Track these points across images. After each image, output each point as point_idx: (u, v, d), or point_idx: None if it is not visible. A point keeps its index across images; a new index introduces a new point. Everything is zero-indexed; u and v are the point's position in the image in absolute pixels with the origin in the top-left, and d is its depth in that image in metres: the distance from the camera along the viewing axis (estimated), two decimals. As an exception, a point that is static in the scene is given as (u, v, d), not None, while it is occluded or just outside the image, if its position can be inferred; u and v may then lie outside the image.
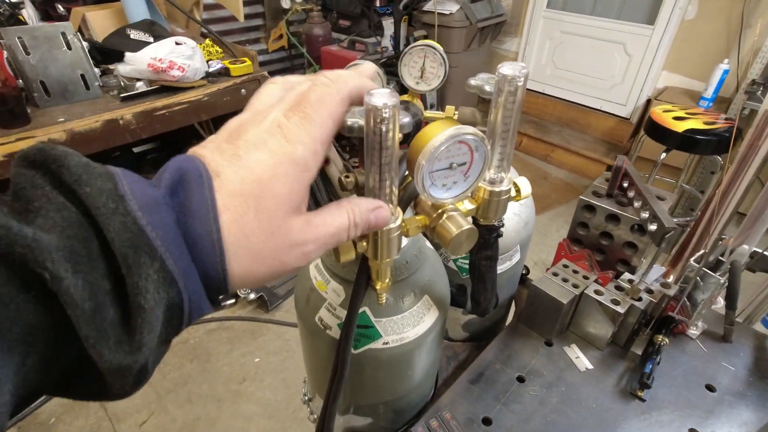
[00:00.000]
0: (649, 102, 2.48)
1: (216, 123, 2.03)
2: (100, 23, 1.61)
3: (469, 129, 0.29)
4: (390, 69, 2.44)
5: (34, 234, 0.18)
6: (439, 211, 0.34)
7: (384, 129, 0.27)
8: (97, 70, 1.44)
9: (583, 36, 2.90)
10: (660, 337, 0.57)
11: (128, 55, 1.43)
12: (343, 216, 0.28)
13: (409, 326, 0.44)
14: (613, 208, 0.61)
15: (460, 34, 2.82)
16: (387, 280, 0.37)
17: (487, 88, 0.53)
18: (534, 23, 3.09)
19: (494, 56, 3.37)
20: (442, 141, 0.28)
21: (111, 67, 1.52)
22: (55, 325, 0.19)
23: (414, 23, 3.07)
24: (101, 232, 0.20)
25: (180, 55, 1.46)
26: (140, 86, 1.45)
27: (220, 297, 0.25)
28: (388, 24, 2.92)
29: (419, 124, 0.55)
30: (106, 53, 1.49)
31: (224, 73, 1.61)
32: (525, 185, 0.38)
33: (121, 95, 1.40)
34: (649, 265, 0.56)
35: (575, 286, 0.59)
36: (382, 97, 0.26)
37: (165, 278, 0.21)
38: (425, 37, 2.80)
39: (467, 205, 0.36)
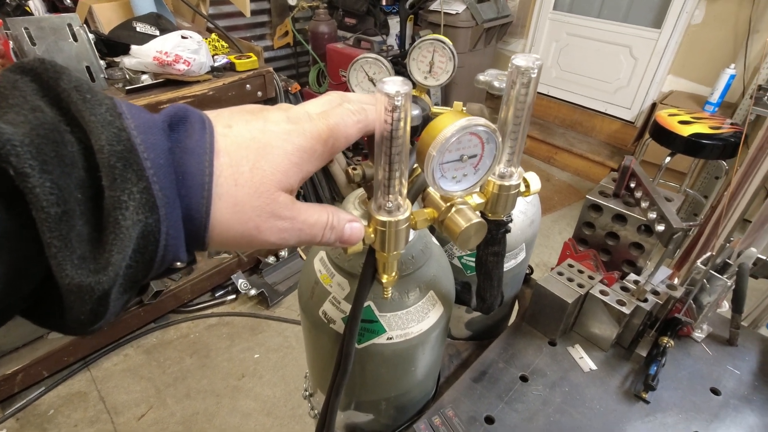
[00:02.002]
0: (654, 106, 2.47)
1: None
2: (107, 15, 1.61)
3: (481, 120, 0.29)
4: (395, 68, 2.43)
5: (1, 125, 0.17)
6: (448, 204, 0.33)
7: (396, 117, 0.26)
8: (102, 62, 1.44)
9: (589, 38, 2.89)
10: (665, 339, 0.57)
11: (134, 47, 1.43)
12: (324, 214, 0.29)
13: (414, 322, 0.44)
14: (620, 208, 0.61)
15: (466, 34, 2.81)
16: (393, 274, 0.36)
17: (496, 84, 0.52)
18: (540, 25, 3.09)
19: (499, 57, 3.37)
20: (453, 132, 0.28)
21: (116, 59, 1.52)
22: (23, 230, 0.18)
23: (420, 22, 3.07)
24: (85, 142, 0.19)
25: (186, 49, 1.46)
26: (145, 79, 1.45)
27: (193, 253, 0.25)
28: (393, 23, 2.92)
29: (427, 119, 0.55)
30: (112, 46, 1.49)
31: (229, 68, 1.61)
32: (534, 180, 0.38)
33: (126, 88, 1.40)
34: (656, 266, 0.55)
35: (580, 285, 0.58)
36: (395, 84, 0.26)
37: (147, 201, 0.20)
38: (431, 37, 2.79)
39: (476, 199, 0.36)
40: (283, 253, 2.18)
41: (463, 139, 0.29)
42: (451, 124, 0.28)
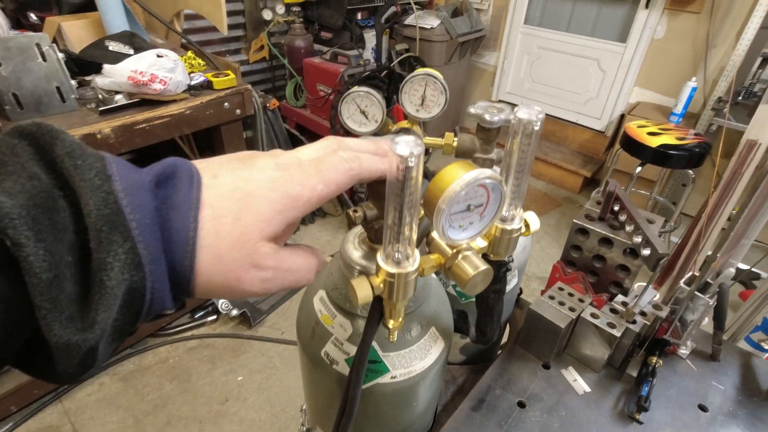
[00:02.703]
0: (623, 117, 2.57)
1: (198, 137, 1.99)
2: (77, 34, 1.56)
3: (488, 173, 0.29)
4: (372, 82, 2.45)
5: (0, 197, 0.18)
6: (454, 251, 0.34)
7: (408, 176, 0.27)
8: (73, 81, 1.39)
9: (559, 52, 2.99)
10: (654, 359, 0.58)
11: (107, 67, 1.38)
12: (309, 258, 0.30)
13: (417, 359, 0.44)
14: (606, 232, 0.63)
15: (441, 48, 2.86)
16: (400, 319, 0.36)
17: (487, 117, 0.53)
18: (512, 38, 3.17)
19: (474, 69, 3.44)
20: (462, 186, 0.28)
21: (88, 78, 1.47)
22: (16, 293, 0.19)
23: (395, 36, 3.10)
24: (76, 206, 0.20)
25: (162, 68, 1.43)
26: (119, 99, 1.41)
27: (181, 300, 0.26)
28: (369, 37, 2.95)
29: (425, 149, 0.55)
30: (84, 65, 1.45)
31: (207, 86, 1.59)
32: (534, 221, 0.38)
33: (100, 109, 1.35)
34: (643, 290, 0.57)
35: (572, 309, 0.60)
36: (408, 145, 0.26)
37: (132, 261, 0.21)
38: (407, 51, 2.83)
39: (480, 243, 0.36)
40: (265, 271, 2.14)
41: (470, 190, 0.30)
42: (459, 177, 0.29)
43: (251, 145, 1.91)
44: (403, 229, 0.29)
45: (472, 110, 0.55)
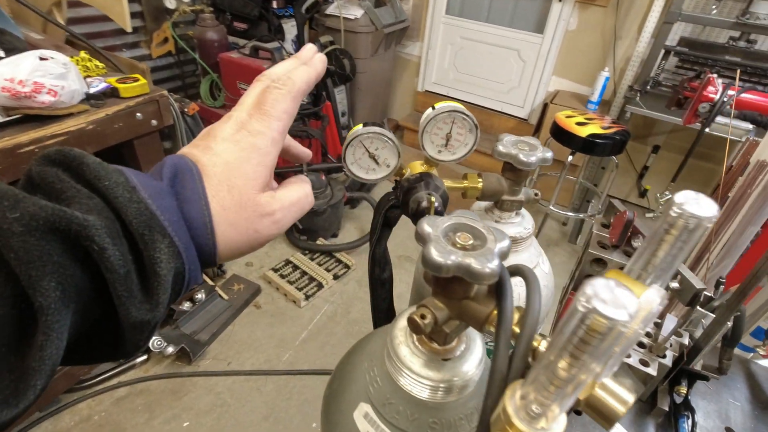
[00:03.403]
0: (546, 105, 2.70)
1: (107, 155, 1.68)
2: None
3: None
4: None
5: (84, 215, 0.22)
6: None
7: (611, 336, 0.18)
8: None
9: (481, 42, 3.04)
10: (682, 390, 0.57)
11: (-31, 76, 1.07)
12: (301, 187, 0.34)
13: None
14: (625, 262, 0.59)
15: (367, 39, 2.75)
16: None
17: (522, 157, 0.46)
18: (435, 28, 3.16)
19: (398, 60, 3.39)
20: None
21: (-58, 90, 1.13)
22: (92, 287, 0.23)
23: (316, 26, 2.92)
24: (120, 216, 0.24)
25: (48, 74, 1.15)
26: (-7, 117, 1.11)
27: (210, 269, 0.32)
28: (288, 27, 2.73)
29: (446, 198, 0.46)
30: (-67, 73, 1.11)
31: (111, 93, 1.32)
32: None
33: (-34, 131, 1.05)
34: (676, 325, 0.55)
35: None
36: (625, 305, 0.17)
37: (173, 252, 0.25)
38: (332, 43, 2.68)
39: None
40: (200, 296, 1.91)
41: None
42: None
43: (171, 157, 1.65)
44: (567, 386, 0.21)
45: (502, 149, 0.47)
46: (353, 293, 2.19)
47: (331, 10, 2.73)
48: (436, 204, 0.40)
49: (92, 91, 1.28)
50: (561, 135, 2.07)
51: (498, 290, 0.30)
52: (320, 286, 2.16)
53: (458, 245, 0.29)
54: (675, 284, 0.55)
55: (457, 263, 0.27)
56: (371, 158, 0.44)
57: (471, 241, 0.29)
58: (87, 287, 0.23)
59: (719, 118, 1.39)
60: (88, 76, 1.35)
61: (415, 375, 0.32)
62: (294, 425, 1.60)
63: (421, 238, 0.29)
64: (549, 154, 0.45)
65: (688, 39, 2.24)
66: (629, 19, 2.49)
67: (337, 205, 2.39)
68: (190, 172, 0.28)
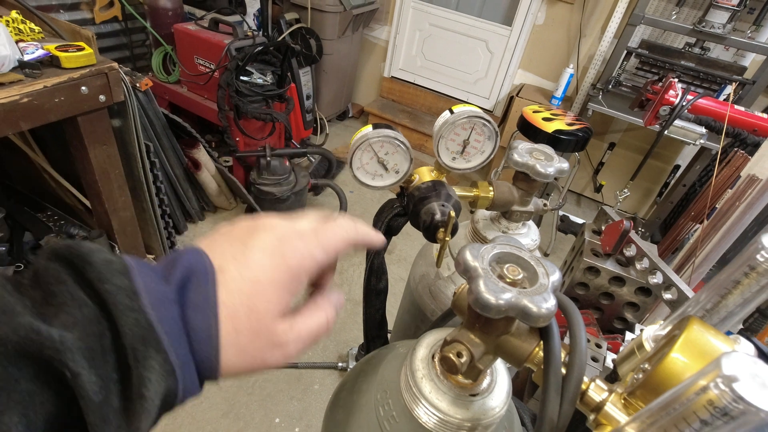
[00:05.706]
0: (512, 98, 2.73)
1: (48, 133, 1.49)
2: None
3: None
4: (264, 57, 2.14)
5: (60, 335, 0.20)
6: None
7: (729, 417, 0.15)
8: None
9: (449, 30, 3.01)
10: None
11: None
12: (321, 315, 0.31)
13: None
14: (619, 271, 0.59)
15: (335, 19, 2.64)
16: None
17: (539, 168, 0.43)
18: (404, 13, 3.09)
19: (365, 44, 3.29)
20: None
21: None
22: (67, 411, 0.22)
23: (280, 2, 2.76)
24: (114, 326, 0.23)
25: (-29, 36, 0.99)
26: None
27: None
28: (250, 1, 2.57)
29: (458, 208, 0.43)
30: None
31: (51, 62, 1.16)
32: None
33: None
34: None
35: (594, 359, 0.55)
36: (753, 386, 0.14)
37: (166, 370, 0.23)
38: (298, 21, 2.54)
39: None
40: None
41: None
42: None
43: (121, 136, 1.50)
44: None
45: (517, 158, 0.44)
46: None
47: (297, -15, 2.58)
48: (455, 219, 0.37)
49: (27, 58, 1.12)
50: (528, 129, 2.10)
51: (545, 329, 0.27)
52: (283, 276, 2.08)
53: (508, 279, 0.25)
54: (668, 295, 0.55)
55: (510, 304, 0.23)
56: (380, 163, 0.40)
57: (520, 275, 0.26)
58: (61, 413, 0.21)
59: (676, 121, 1.45)
60: (21, 41, 1.19)
61: (442, 414, 0.29)
62: (256, 422, 1.54)
63: (466, 272, 0.25)
64: (565, 165, 0.42)
65: (649, 42, 2.33)
66: (594, 18, 2.55)
67: (301, 192, 2.30)
68: (204, 276, 0.26)
